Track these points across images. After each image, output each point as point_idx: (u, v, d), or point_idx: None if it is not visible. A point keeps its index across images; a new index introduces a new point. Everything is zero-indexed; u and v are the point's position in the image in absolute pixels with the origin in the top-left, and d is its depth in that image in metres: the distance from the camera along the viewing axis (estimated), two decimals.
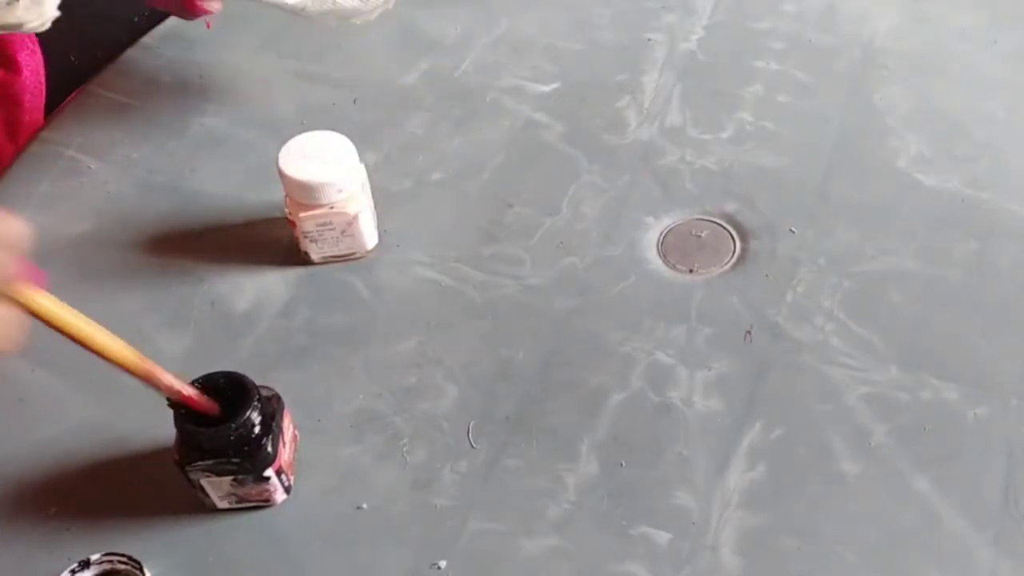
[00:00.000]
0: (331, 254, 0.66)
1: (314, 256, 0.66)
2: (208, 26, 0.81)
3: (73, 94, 0.79)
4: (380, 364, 0.62)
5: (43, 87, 0.79)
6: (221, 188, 0.72)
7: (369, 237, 0.66)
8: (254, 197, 0.71)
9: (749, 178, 0.70)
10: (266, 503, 0.56)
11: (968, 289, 0.64)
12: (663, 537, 0.55)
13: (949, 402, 0.59)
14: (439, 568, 0.54)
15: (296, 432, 0.58)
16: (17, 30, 0.61)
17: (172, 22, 0.83)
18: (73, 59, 0.81)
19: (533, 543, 0.55)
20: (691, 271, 0.66)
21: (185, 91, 0.78)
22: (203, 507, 0.56)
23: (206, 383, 0.53)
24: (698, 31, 0.80)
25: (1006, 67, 0.76)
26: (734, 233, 0.67)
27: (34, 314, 0.45)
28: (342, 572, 0.54)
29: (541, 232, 0.68)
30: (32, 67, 0.78)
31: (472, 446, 0.58)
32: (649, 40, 0.79)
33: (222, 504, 0.56)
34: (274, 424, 0.54)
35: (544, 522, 0.55)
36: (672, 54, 0.78)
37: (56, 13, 0.62)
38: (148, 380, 0.50)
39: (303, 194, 0.62)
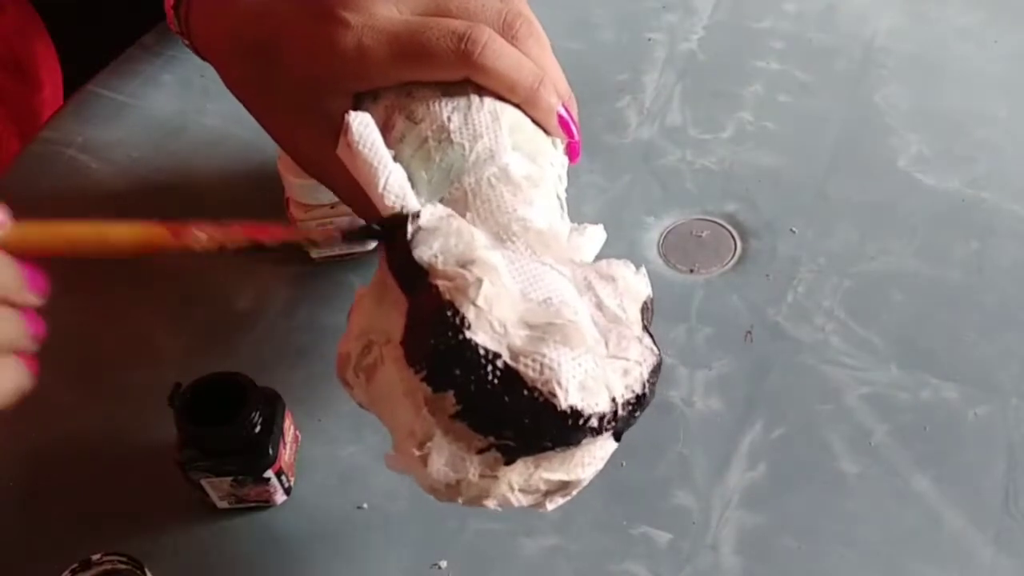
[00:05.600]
0: (331, 253, 0.66)
1: (314, 255, 0.66)
2: None
3: (73, 94, 0.79)
4: None
5: (61, 101, 0.79)
6: (221, 188, 0.72)
7: None
8: (254, 197, 0.70)
9: (749, 178, 0.70)
10: (266, 504, 0.56)
11: (968, 289, 0.64)
12: (663, 537, 0.55)
13: (949, 402, 0.59)
14: (439, 568, 0.54)
15: (297, 433, 0.58)
16: None
17: None
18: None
19: (533, 543, 0.55)
20: (691, 271, 0.66)
21: (185, 91, 0.78)
22: (203, 507, 0.56)
23: (206, 383, 0.53)
24: (698, 31, 0.80)
25: (1006, 67, 0.76)
26: (734, 233, 0.67)
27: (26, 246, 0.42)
28: (342, 572, 0.54)
29: None
30: (52, 83, 0.78)
31: None
32: (649, 40, 0.79)
33: (222, 504, 0.56)
34: (275, 425, 0.54)
35: (544, 522, 0.55)
36: (672, 54, 0.78)
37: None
38: (180, 243, 0.43)
39: (303, 194, 0.62)
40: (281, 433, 0.55)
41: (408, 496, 0.57)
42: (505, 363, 0.40)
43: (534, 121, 0.50)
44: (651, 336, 0.45)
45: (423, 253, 0.43)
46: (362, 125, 0.45)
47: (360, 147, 0.44)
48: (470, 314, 0.40)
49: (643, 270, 0.47)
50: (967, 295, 0.63)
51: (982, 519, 0.54)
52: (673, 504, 0.56)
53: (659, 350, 0.45)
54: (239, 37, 0.52)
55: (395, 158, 0.46)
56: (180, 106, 0.77)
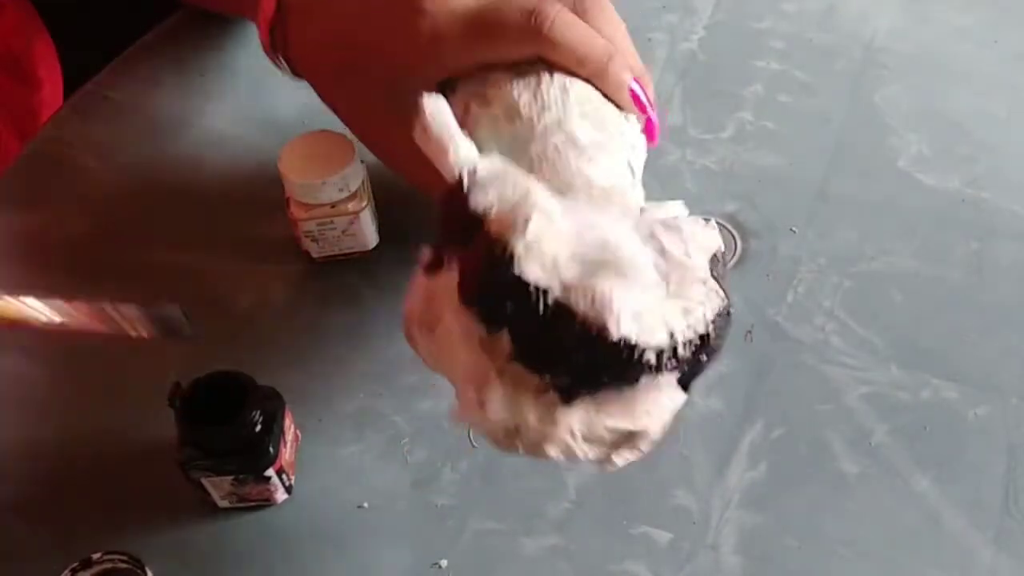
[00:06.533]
0: (332, 253, 0.66)
1: (315, 255, 0.66)
2: None
3: (73, 94, 0.79)
4: (381, 363, 0.62)
5: (61, 100, 0.79)
6: (221, 188, 0.72)
7: (370, 236, 0.66)
8: (254, 197, 0.70)
9: (749, 178, 0.70)
10: (266, 503, 0.56)
11: (968, 289, 0.64)
12: (663, 537, 0.55)
13: (949, 402, 0.59)
14: (440, 567, 0.54)
15: (297, 432, 0.58)
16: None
17: (172, 22, 0.83)
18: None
19: (534, 542, 0.55)
20: None
21: (185, 91, 0.78)
22: (204, 506, 0.56)
23: (206, 382, 0.53)
24: (698, 31, 0.80)
25: (1007, 67, 0.76)
26: (734, 233, 0.67)
27: None
28: (342, 572, 0.54)
29: None
30: (52, 81, 0.78)
31: (473, 445, 0.58)
32: (649, 40, 0.79)
33: (223, 503, 0.56)
34: (275, 424, 0.54)
35: (544, 522, 0.55)
36: (672, 54, 0.78)
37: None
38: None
39: (304, 194, 0.62)
40: (281, 432, 0.55)
41: (408, 496, 0.57)
42: (556, 298, 0.40)
43: (606, 97, 0.50)
44: (719, 283, 0.44)
45: (479, 201, 0.42)
46: (436, 107, 0.45)
47: (433, 128, 0.45)
48: (519, 248, 0.40)
49: (713, 223, 0.46)
50: (967, 295, 0.63)
51: (982, 519, 0.54)
52: (673, 504, 0.56)
53: (727, 297, 0.43)
54: (331, 45, 0.54)
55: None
56: (180, 106, 0.77)
